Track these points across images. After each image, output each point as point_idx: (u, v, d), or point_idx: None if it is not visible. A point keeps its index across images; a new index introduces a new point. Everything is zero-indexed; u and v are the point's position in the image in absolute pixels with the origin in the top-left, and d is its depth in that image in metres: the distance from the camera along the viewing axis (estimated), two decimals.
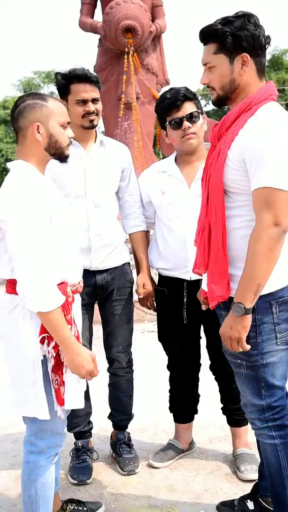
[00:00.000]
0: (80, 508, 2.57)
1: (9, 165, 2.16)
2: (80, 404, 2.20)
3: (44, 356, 2.08)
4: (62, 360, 2.10)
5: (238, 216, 2.08)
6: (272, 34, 2.12)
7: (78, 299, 2.27)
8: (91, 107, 2.79)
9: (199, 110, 2.80)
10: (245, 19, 2.04)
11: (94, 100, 2.80)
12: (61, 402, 2.12)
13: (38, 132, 2.10)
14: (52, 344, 2.06)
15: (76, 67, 2.81)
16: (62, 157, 2.20)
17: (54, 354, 2.08)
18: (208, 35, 2.08)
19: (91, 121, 2.82)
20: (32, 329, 2.07)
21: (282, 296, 2.08)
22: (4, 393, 4.13)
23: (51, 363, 2.09)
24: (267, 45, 2.10)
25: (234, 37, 2.02)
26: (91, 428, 3.12)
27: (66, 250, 2.16)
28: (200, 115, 2.80)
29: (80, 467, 2.95)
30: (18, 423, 3.51)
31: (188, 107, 2.77)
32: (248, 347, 2.05)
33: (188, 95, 2.77)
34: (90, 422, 3.10)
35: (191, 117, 2.76)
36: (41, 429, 2.16)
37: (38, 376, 2.08)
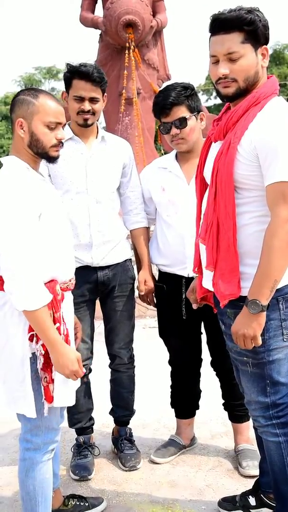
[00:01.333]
0: (82, 504, 2.57)
1: (2, 160, 2.15)
2: (70, 402, 2.19)
3: (33, 353, 2.08)
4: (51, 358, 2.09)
5: (247, 212, 2.05)
6: (273, 28, 2.11)
7: (69, 296, 2.25)
8: (86, 106, 2.76)
9: (190, 114, 2.76)
10: (257, 12, 1.99)
11: (92, 100, 2.77)
12: (49, 399, 2.11)
13: (22, 129, 2.10)
14: (41, 342, 2.05)
15: (86, 63, 2.78)
16: (47, 158, 2.16)
17: (43, 352, 2.06)
18: (234, 23, 1.97)
19: (85, 119, 2.79)
20: (20, 327, 2.06)
21: None
22: None
23: (40, 361, 2.08)
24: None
25: (265, 28, 1.99)
26: (93, 424, 3.12)
27: (57, 247, 2.14)
28: (191, 118, 2.76)
29: (82, 463, 2.95)
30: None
31: (177, 112, 2.74)
32: (261, 341, 2.02)
33: (177, 101, 2.73)
34: (91, 418, 3.10)
35: (179, 123, 2.74)
36: (35, 426, 2.16)
37: (27, 374, 2.07)
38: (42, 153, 2.14)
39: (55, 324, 2.06)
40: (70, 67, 2.78)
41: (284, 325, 2.07)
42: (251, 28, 1.97)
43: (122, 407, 3.13)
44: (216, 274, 2.10)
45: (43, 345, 2.05)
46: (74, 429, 3.06)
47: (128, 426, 3.15)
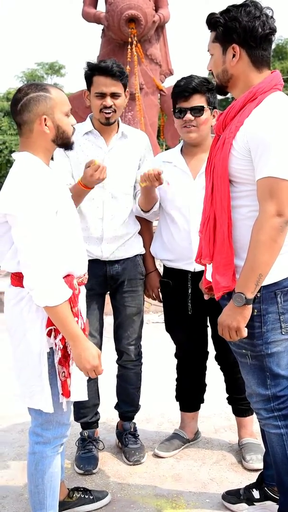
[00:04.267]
0: (87, 497, 2.59)
1: (14, 156, 2.14)
2: (84, 396, 2.21)
3: (50, 348, 2.09)
4: (69, 352, 2.10)
5: (243, 207, 2.08)
6: (276, 23, 2.09)
7: (83, 290, 2.28)
8: (108, 101, 2.76)
9: (207, 106, 2.77)
10: (242, 9, 2.03)
11: (114, 95, 2.77)
12: (67, 394, 2.13)
13: (46, 125, 2.09)
14: (59, 336, 2.07)
15: (106, 59, 2.80)
16: (68, 145, 2.20)
17: (61, 346, 2.08)
18: (208, 23, 2.12)
19: (107, 118, 2.79)
20: (38, 322, 2.08)
21: (287, 285, 2.08)
22: (10, 384, 4.16)
23: (58, 356, 2.09)
24: (267, 37, 2.05)
25: (225, 28, 2.05)
26: (98, 419, 3.13)
27: (72, 242, 2.16)
28: (207, 110, 2.76)
29: (86, 457, 2.97)
30: (24, 414, 3.52)
31: (196, 100, 2.75)
32: (245, 333, 2.05)
33: (199, 88, 2.74)
34: (97, 413, 3.11)
35: (195, 110, 2.74)
36: (47, 420, 2.17)
37: (44, 369, 2.08)
38: (65, 143, 2.17)
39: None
40: (89, 64, 2.79)
41: (283, 319, 2.09)
42: (215, 29, 2.08)
43: (128, 403, 3.14)
44: (213, 266, 2.15)
45: (61, 340, 2.07)
46: (79, 423, 3.07)
47: (133, 420, 3.17)
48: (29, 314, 2.08)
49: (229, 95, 2.31)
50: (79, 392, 2.18)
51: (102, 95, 2.77)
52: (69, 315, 2.03)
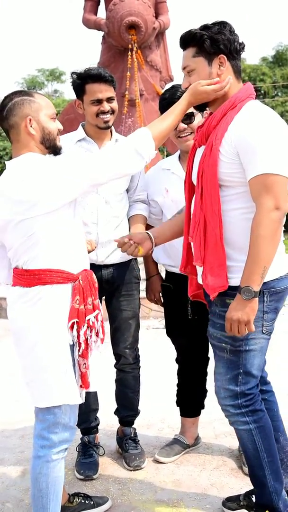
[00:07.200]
0: (87, 502, 2.59)
1: (21, 157, 2.15)
2: (96, 387, 2.27)
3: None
4: (89, 344, 2.17)
5: (233, 209, 2.18)
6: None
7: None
8: (106, 106, 2.80)
9: (196, 110, 2.76)
10: (222, 25, 2.19)
11: (109, 99, 2.81)
12: (86, 385, 2.21)
13: (31, 126, 2.14)
14: (83, 329, 2.13)
15: (91, 67, 2.83)
16: (55, 149, 2.24)
17: (84, 338, 2.14)
18: (187, 39, 2.22)
19: (106, 121, 2.83)
20: (61, 317, 2.13)
21: (273, 286, 2.19)
22: (10, 390, 4.17)
23: (82, 348, 2.15)
24: (241, 51, 2.24)
25: (212, 40, 2.17)
26: (98, 424, 3.14)
27: (83, 238, 2.28)
28: (197, 114, 2.78)
29: (87, 462, 2.97)
30: (24, 420, 3.55)
31: None
32: (254, 328, 2.12)
33: None
34: (96, 418, 3.11)
35: (186, 118, 2.76)
36: (54, 423, 2.19)
37: (68, 363, 2.14)
38: (52, 146, 2.22)
39: (94, 311, 2.19)
40: (78, 74, 2.82)
41: (265, 317, 2.21)
42: (199, 43, 2.18)
43: (127, 407, 3.14)
44: (205, 269, 2.23)
45: (84, 332, 2.14)
46: (79, 429, 3.08)
47: (133, 426, 3.17)
48: (51, 311, 2.12)
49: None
50: (96, 383, 2.24)
51: (99, 101, 2.80)
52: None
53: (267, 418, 2.31)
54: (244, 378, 2.24)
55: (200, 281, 2.34)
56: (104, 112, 2.81)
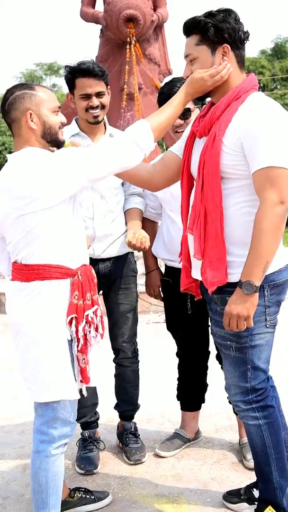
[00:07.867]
0: (88, 496, 2.59)
1: (22, 151, 2.15)
2: (96, 382, 2.27)
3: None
4: (89, 339, 2.16)
5: (235, 203, 2.14)
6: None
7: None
8: (94, 101, 2.78)
9: (193, 106, 2.78)
10: (227, 13, 2.14)
11: (98, 94, 2.79)
12: (86, 380, 2.20)
13: (32, 120, 2.13)
14: (82, 325, 2.12)
15: (84, 60, 2.81)
16: (58, 143, 2.22)
17: (83, 334, 2.14)
18: (191, 27, 2.16)
19: (95, 117, 2.81)
20: (59, 313, 2.12)
21: (273, 280, 2.16)
22: (9, 385, 4.17)
23: (81, 343, 2.15)
24: (246, 40, 2.19)
25: (216, 28, 2.11)
26: (98, 419, 3.13)
27: (82, 234, 2.27)
28: (194, 110, 2.78)
29: (87, 457, 2.97)
30: (24, 415, 3.55)
31: None
32: (253, 323, 2.10)
33: None
34: (96, 413, 3.11)
35: (184, 114, 2.74)
36: (53, 418, 2.18)
37: (66, 359, 2.14)
38: (54, 140, 2.20)
39: (93, 306, 2.18)
40: (69, 68, 2.81)
41: (268, 311, 2.18)
42: (202, 31, 2.12)
43: (127, 402, 3.14)
44: (204, 262, 2.19)
45: (83, 328, 2.14)
46: (79, 424, 3.08)
47: (133, 420, 3.17)
48: (50, 307, 2.12)
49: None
50: (95, 378, 2.25)
51: (88, 96, 2.79)
52: None
53: (277, 415, 2.30)
54: (253, 373, 2.22)
55: (193, 275, 2.32)
56: (93, 107, 2.79)
